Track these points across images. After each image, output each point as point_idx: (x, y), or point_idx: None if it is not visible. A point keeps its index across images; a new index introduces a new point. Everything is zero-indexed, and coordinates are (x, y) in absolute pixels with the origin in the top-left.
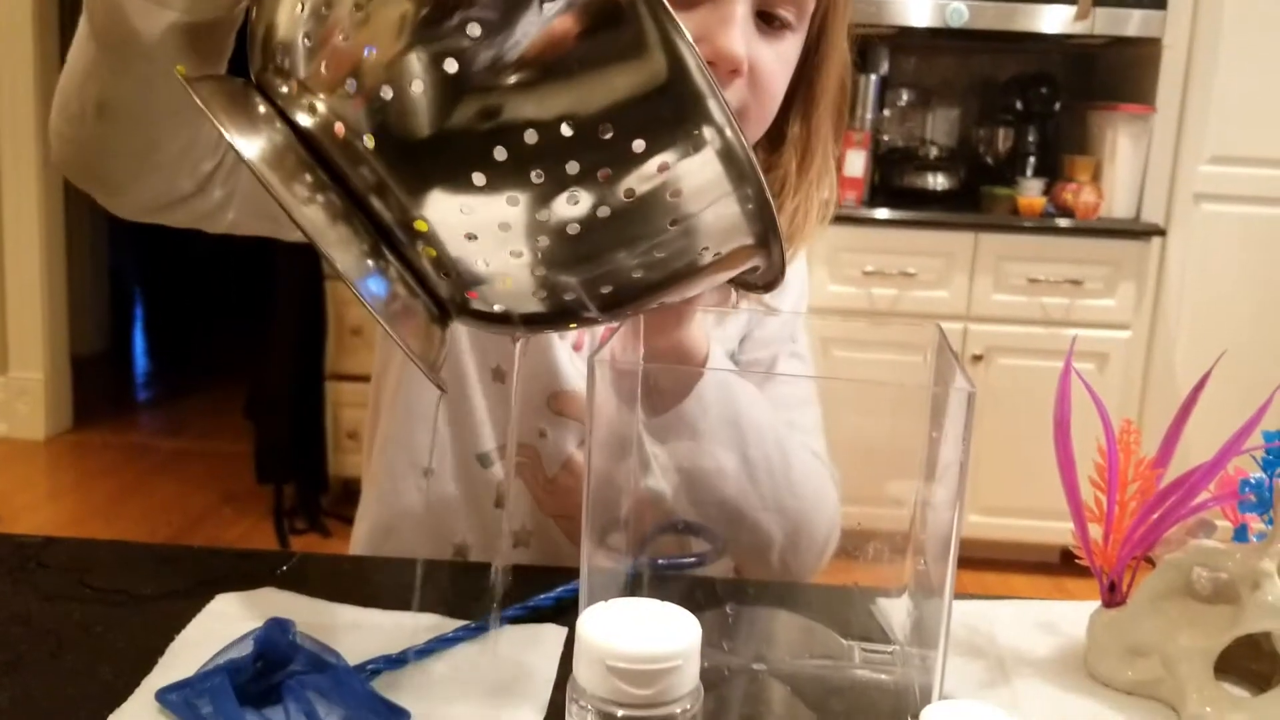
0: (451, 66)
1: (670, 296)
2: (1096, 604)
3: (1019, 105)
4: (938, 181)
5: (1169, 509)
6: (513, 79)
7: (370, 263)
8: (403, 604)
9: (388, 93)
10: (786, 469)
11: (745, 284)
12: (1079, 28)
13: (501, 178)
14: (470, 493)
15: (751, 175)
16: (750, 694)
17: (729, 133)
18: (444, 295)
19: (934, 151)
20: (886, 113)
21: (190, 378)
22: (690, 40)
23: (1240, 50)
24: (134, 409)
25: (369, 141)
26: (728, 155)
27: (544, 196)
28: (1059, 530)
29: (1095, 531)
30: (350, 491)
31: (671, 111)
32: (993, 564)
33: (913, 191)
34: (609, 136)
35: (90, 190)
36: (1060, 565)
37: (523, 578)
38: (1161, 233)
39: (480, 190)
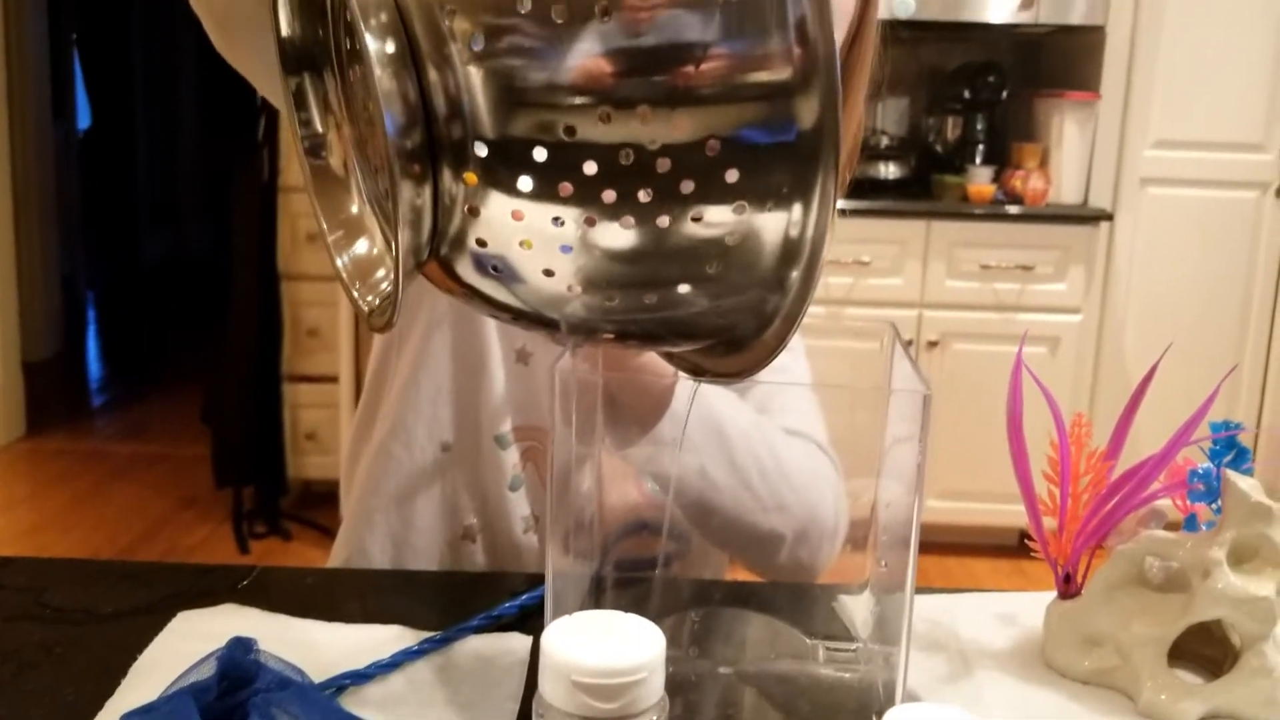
0: (609, 24)
1: (654, 342)
2: (1053, 595)
3: (967, 94)
4: (889, 170)
5: (1121, 500)
6: (657, 58)
7: (416, 150)
8: (366, 617)
9: (526, 5)
10: (779, 464)
11: (709, 371)
12: (1024, 17)
13: (592, 141)
14: (482, 474)
15: (808, 273)
16: (718, 698)
17: (815, 212)
18: (448, 233)
19: (885, 141)
20: None
21: (146, 382)
22: (839, 121)
23: (1182, 36)
24: (89, 415)
25: (477, 44)
26: (800, 233)
27: (620, 179)
28: (1017, 513)
29: (1050, 523)
30: (311, 494)
31: (782, 164)
32: (954, 548)
33: (865, 181)
34: (713, 154)
35: (209, 18)
36: (1019, 548)
37: (488, 584)
38: (1109, 217)
39: (563, 143)
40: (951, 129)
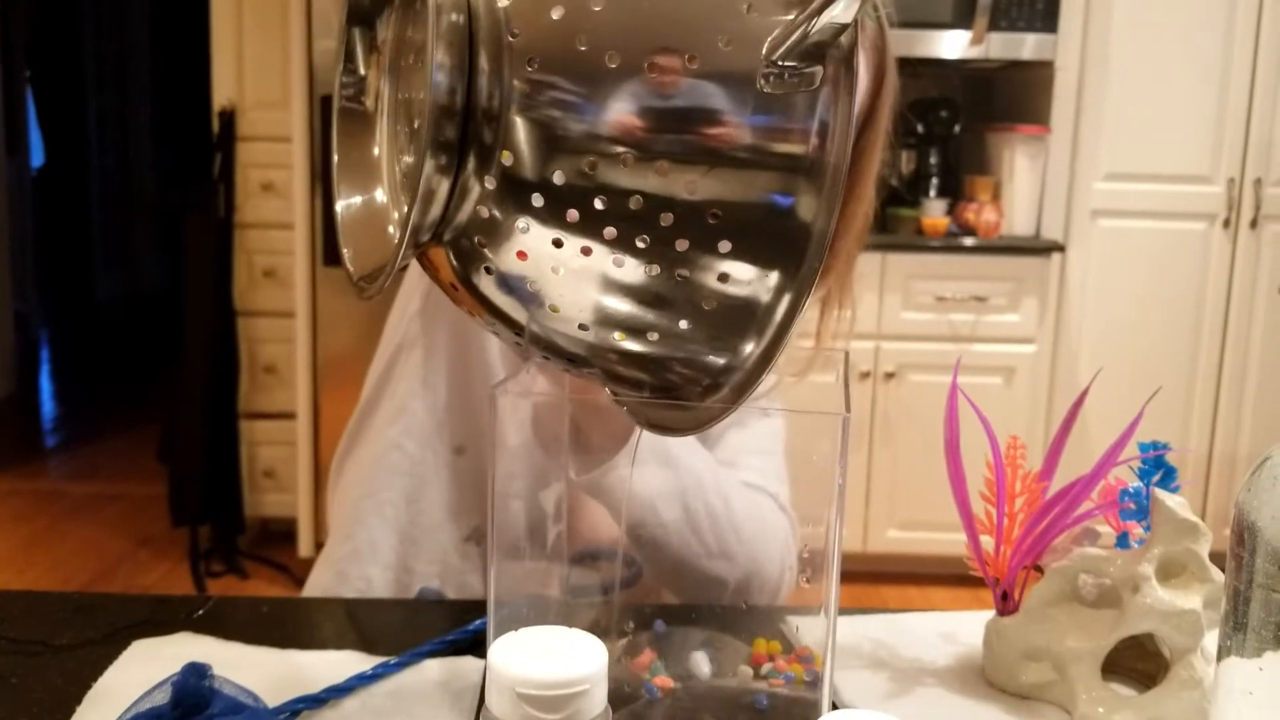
0: (650, 79)
1: (607, 379)
2: (992, 613)
3: (920, 128)
4: None
5: (1054, 519)
6: (686, 118)
7: (448, 141)
8: (321, 643)
9: (584, 42)
10: (729, 514)
11: (654, 423)
12: (975, 53)
13: (608, 182)
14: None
15: (767, 353)
16: (665, 713)
17: (788, 300)
18: (454, 222)
19: None
20: None
21: (101, 421)
22: (832, 225)
23: (1129, 71)
24: (43, 454)
25: (531, 68)
26: (770, 316)
27: (624, 220)
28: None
29: (988, 543)
30: (269, 532)
31: (772, 249)
32: (914, 578)
33: None
34: (713, 222)
35: None
36: (979, 578)
37: (444, 611)
38: (1061, 248)
39: (582, 174)
40: (906, 163)
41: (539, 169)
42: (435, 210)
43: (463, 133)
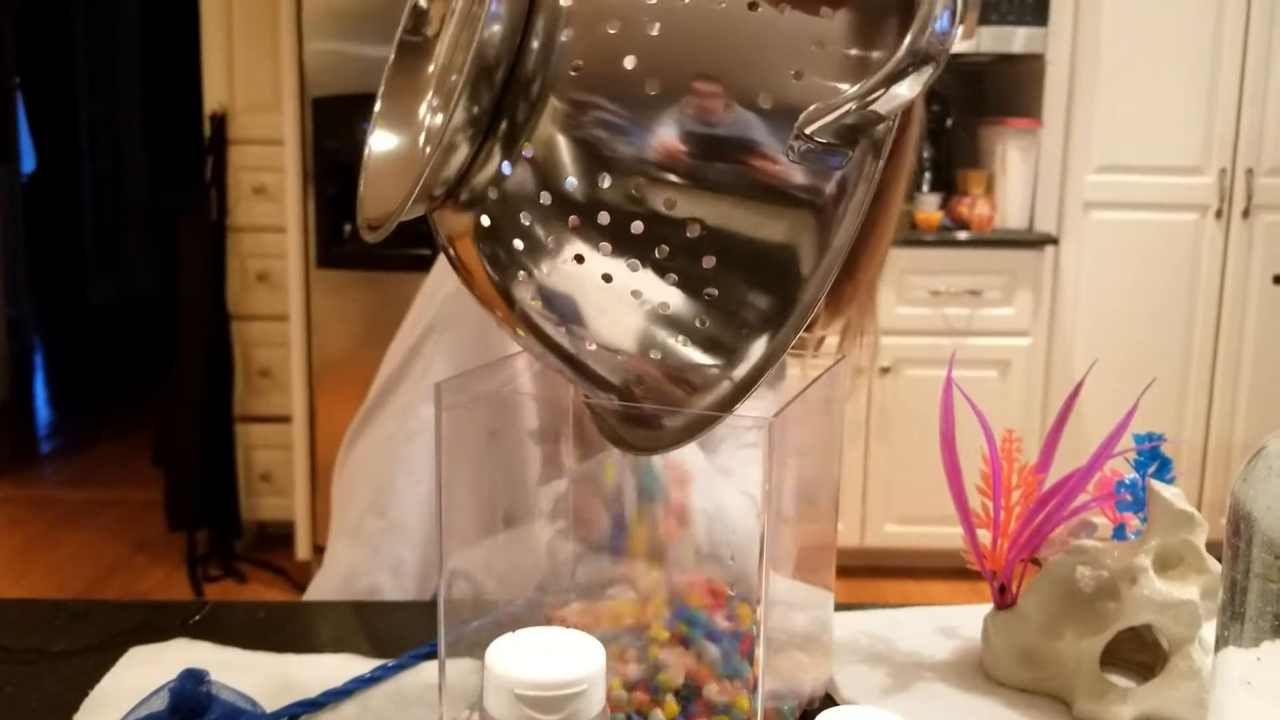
0: (684, 109)
1: (577, 374)
2: (990, 607)
3: None
4: None
5: (1050, 512)
6: (710, 146)
7: (481, 114)
8: (318, 647)
9: (631, 63)
10: (724, 520)
11: (622, 442)
12: (966, 46)
13: (617, 203)
14: (516, 466)
15: (734, 394)
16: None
17: (762, 351)
18: (469, 184)
19: None
20: None
21: (96, 426)
22: (828, 278)
23: (1120, 63)
24: (37, 461)
25: (575, 73)
26: (735, 365)
27: (622, 240)
28: None
29: (985, 537)
30: (266, 535)
31: (758, 301)
32: (911, 572)
33: None
34: (706, 267)
35: None
36: (976, 571)
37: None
38: (1054, 241)
39: (596, 190)
40: None
41: (554, 171)
42: (458, 162)
43: (498, 103)
